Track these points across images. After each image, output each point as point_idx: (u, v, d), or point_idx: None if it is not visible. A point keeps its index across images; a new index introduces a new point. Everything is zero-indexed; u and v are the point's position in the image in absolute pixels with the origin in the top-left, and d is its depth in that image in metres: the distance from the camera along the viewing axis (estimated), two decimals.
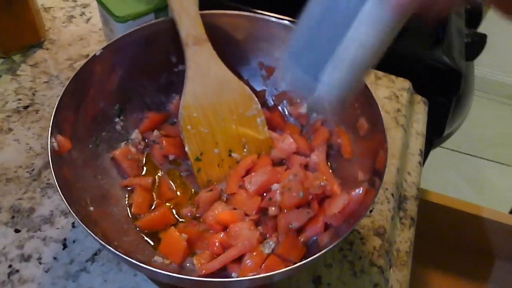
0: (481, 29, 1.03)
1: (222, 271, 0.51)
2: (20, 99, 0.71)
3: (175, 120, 0.65)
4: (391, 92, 0.77)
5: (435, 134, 0.90)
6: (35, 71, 0.75)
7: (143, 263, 0.42)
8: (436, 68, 0.80)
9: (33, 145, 0.65)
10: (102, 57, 0.57)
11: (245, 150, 0.61)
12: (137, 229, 0.55)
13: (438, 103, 0.83)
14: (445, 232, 0.90)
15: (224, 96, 0.60)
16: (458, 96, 0.85)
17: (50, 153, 0.48)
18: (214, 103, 0.60)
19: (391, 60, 0.83)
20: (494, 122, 2.17)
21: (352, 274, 0.56)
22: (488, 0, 0.38)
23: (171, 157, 0.62)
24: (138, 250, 0.52)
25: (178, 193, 0.60)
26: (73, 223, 0.58)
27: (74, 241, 0.56)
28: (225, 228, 0.54)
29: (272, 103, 0.68)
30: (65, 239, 0.56)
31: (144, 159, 0.62)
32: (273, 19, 0.62)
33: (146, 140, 0.63)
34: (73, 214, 0.44)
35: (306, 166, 0.60)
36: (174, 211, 0.58)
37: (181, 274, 0.44)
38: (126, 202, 0.57)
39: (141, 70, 0.62)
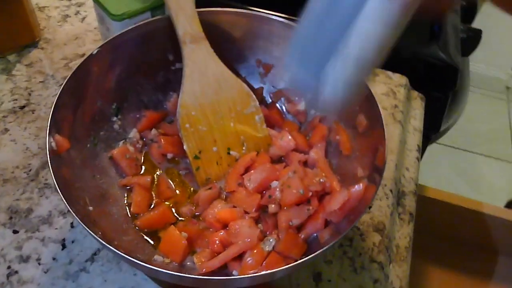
0: (475, 24, 1.03)
1: (223, 269, 0.51)
2: (16, 99, 0.70)
3: (173, 118, 0.65)
4: (388, 88, 0.77)
5: (432, 130, 0.90)
6: (31, 71, 0.75)
7: (144, 262, 0.42)
8: (433, 64, 0.81)
9: (30, 145, 0.65)
10: (99, 55, 0.56)
11: (243, 148, 0.61)
12: (137, 228, 0.55)
13: (435, 99, 0.84)
14: (444, 227, 0.90)
15: (222, 94, 0.60)
16: (454, 91, 0.86)
17: (49, 152, 0.48)
18: (212, 101, 0.60)
19: (388, 56, 0.83)
20: (489, 117, 2.19)
21: (352, 270, 0.56)
22: None
23: (169, 155, 0.62)
24: (138, 249, 0.52)
25: (177, 191, 0.60)
26: (71, 223, 0.58)
27: (73, 241, 0.56)
28: (225, 226, 0.54)
29: (270, 100, 0.68)
30: (64, 240, 0.56)
31: (142, 158, 0.62)
32: (271, 16, 0.62)
33: (144, 139, 0.63)
34: (73, 214, 0.44)
35: (305, 163, 0.60)
36: (173, 209, 0.58)
37: (181, 273, 0.43)
38: (125, 202, 0.57)
39: (138, 68, 0.62)
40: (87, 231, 0.43)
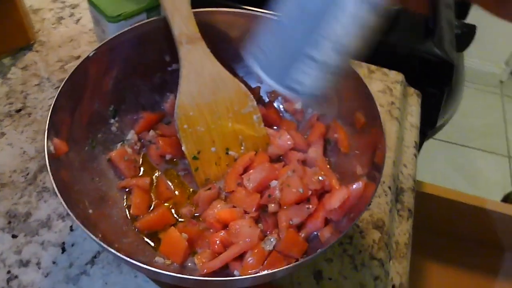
0: (468, 19, 1.03)
1: (224, 270, 0.51)
2: (11, 103, 0.70)
3: (170, 119, 0.65)
4: (384, 85, 0.78)
5: (428, 126, 0.90)
6: (26, 74, 0.74)
7: (145, 264, 0.42)
8: (428, 60, 0.81)
9: (27, 149, 0.65)
10: (96, 58, 0.56)
11: (242, 147, 0.61)
12: (137, 230, 0.55)
13: (431, 95, 0.84)
14: (442, 223, 0.90)
15: (220, 94, 0.60)
16: (450, 87, 0.86)
17: (47, 156, 0.47)
18: (209, 102, 0.60)
19: (384, 54, 0.83)
20: (483, 112, 2.20)
21: (352, 268, 0.56)
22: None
23: (167, 156, 0.62)
24: (138, 252, 0.52)
25: (176, 192, 0.59)
26: (71, 226, 0.57)
27: (72, 245, 0.56)
28: (225, 226, 0.54)
29: (267, 99, 0.68)
30: (63, 243, 0.56)
31: (140, 159, 0.62)
32: (267, 15, 0.61)
33: (142, 141, 0.63)
34: (74, 217, 0.44)
35: (303, 162, 0.60)
36: (173, 211, 0.58)
37: (183, 274, 0.43)
38: (125, 204, 0.57)
39: (134, 70, 0.62)
40: (88, 234, 0.43)
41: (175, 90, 0.59)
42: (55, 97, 0.51)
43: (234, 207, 0.55)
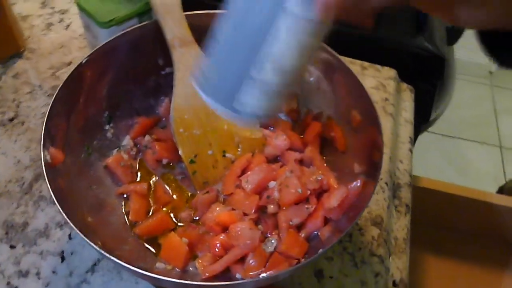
0: None
1: (226, 273, 0.51)
2: (4, 112, 0.69)
3: (165, 123, 0.64)
4: (378, 82, 0.78)
5: (422, 120, 0.91)
6: (17, 82, 0.73)
7: (147, 271, 0.42)
8: (420, 55, 0.81)
9: (21, 158, 0.64)
10: (89, 64, 0.56)
11: (239, 149, 0.61)
12: (136, 236, 0.55)
13: (423, 90, 0.84)
14: (439, 217, 0.91)
15: None
16: (442, 81, 0.86)
17: (44, 165, 0.47)
18: (204, 104, 0.59)
19: (375, 50, 0.84)
20: (474, 103, 2.21)
21: (353, 266, 0.57)
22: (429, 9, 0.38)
23: (164, 161, 0.62)
24: (139, 258, 0.52)
25: (175, 197, 0.59)
26: (69, 234, 0.57)
27: (72, 253, 0.55)
28: (225, 229, 0.54)
29: None
30: (62, 252, 0.55)
31: (137, 165, 0.62)
32: None
33: (138, 146, 0.63)
34: (72, 226, 0.43)
35: (300, 161, 0.60)
36: (172, 215, 0.57)
37: (184, 279, 0.43)
38: (123, 210, 0.57)
39: (128, 74, 0.61)
40: (88, 242, 0.43)
41: (169, 94, 0.59)
42: (50, 105, 0.51)
43: (233, 209, 0.55)
